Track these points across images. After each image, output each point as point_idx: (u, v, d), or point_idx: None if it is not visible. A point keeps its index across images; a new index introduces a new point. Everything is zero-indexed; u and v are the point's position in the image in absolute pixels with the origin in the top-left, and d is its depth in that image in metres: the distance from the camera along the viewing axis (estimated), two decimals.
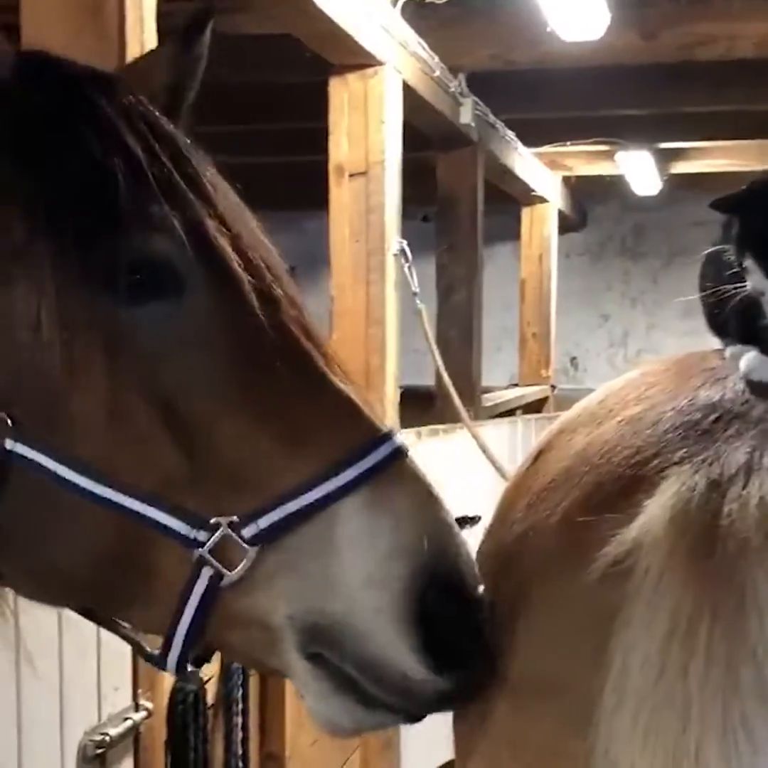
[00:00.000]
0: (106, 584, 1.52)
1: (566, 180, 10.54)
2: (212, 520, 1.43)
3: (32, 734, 2.60)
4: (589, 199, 10.92)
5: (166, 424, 1.45)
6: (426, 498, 1.46)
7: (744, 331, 1.67)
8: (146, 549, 1.46)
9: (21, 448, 1.45)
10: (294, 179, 9.71)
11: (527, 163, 8.82)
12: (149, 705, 3.05)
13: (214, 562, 1.43)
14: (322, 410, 1.48)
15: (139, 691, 3.03)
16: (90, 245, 1.45)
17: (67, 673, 2.70)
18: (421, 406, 6.36)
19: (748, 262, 1.58)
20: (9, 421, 1.45)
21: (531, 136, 8.34)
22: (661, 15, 5.91)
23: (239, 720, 3.87)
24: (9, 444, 1.45)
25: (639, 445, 1.54)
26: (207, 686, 3.66)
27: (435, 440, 5.90)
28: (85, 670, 2.79)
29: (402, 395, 5.52)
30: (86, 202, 1.46)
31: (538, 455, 1.72)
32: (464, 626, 1.42)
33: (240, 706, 3.87)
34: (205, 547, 1.43)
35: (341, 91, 5.09)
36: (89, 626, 2.84)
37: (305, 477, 1.42)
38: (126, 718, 2.94)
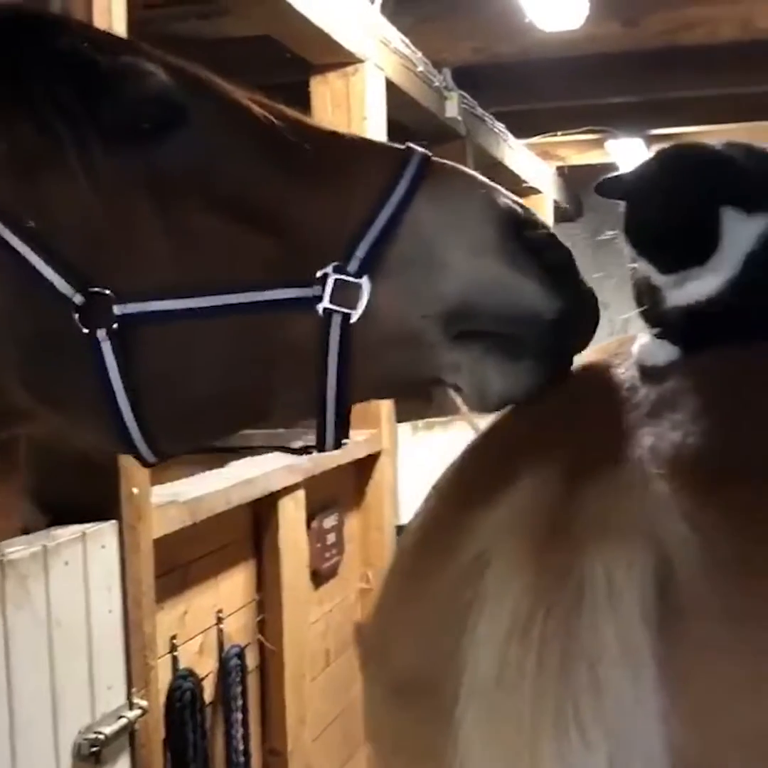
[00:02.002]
0: (254, 388, 1.61)
1: (560, 170, 10.56)
2: (319, 274, 1.55)
3: (26, 735, 2.63)
4: (584, 189, 10.93)
5: (237, 221, 1.57)
6: (470, 176, 1.63)
7: (646, 315, 1.66)
8: (275, 332, 1.57)
9: (131, 307, 1.54)
10: None
11: (519, 155, 8.84)
12: (144, 703, 3.08)
13: (338, 307, 1.54)
14: (352, 154, 1.64)
15: (133, 689, 3.05)
16: (94, 115, 1.57)
17: (59, 673, 2.73)
18: (418, 399, 6.38)
19: (630, 249, 1.57)
20: (111, 294, 1.54)
21: (521, 128, 8.35)
22: (640, 2, 5.92)
23: (239, 716, 3.91)
24: (118, 309, 1.54)
25: (514, 437, 1.55)
26: (205, 684, 3.71)
27: (431, 433, 5.93)
28: (77, 670, 2.82)
29: None
30: (72, 81, 1.58)
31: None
32: (561, 248, 1.59)
33: (239, 702, 3.92)
34: (325, 297, 1.54)
35: (323, 90, 5.12)
36: (80, 625, 2.90)
37: (371, 203, 1.56)
38: (120, 717, 2.97)
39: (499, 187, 1.62)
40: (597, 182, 1.61)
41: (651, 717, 1.22)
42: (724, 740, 1.22)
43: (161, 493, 3.39)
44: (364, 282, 1.54)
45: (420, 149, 1.62)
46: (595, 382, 1.57)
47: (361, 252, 1.55)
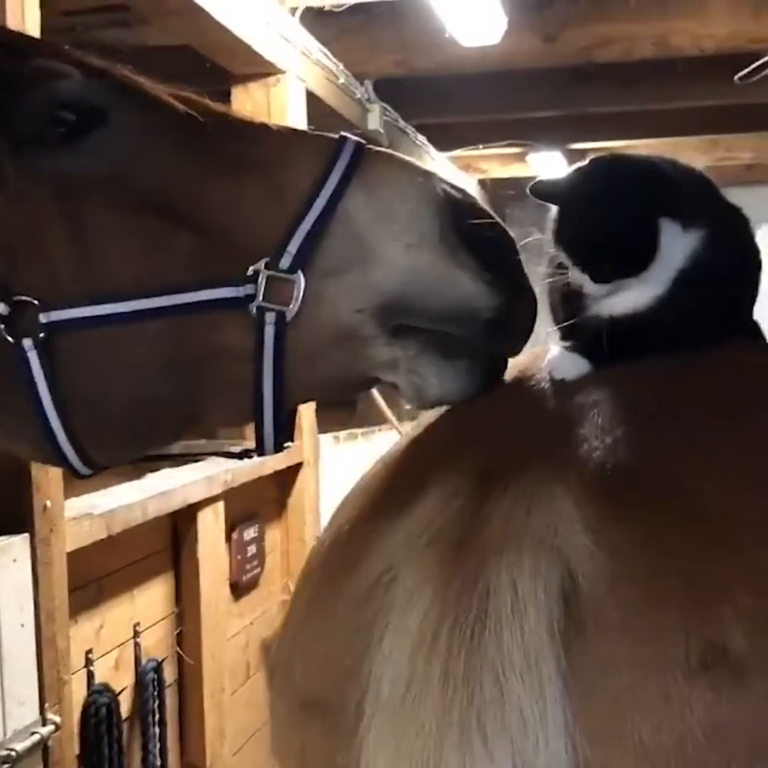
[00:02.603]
0: (187, 393, 1.57)
1: (482, 183, 10.64)
2: (249, 272, 1.50)
3: None
4: (507, 201, 11.03)
5: (161, 222, 1.52)
6: (407, 163, 1.58)
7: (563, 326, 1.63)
8: (206, 334, 1.52)
9: (55, 315, 1.51)
10: None
11: (441, 167, 8.89)
12: (57, 719, 3.03)
13: (271, 305, 1.49)
14: (281, 146, 1.59)
15: (46, 705, 3.00)
16: (5, 121, 1.53)
17: None
18: (340, 410, 6.39)
19: (565, 257, 1.54)
20: (35, 302, 1.51)
21: (444, 141, 8.41)
22: (559, 18, 6.00)
23: (156, 731, 3.87)
24: (43, 318, 1.51)
25: (425, 450, 1.53)
26: (121, 698, 3.66)
27: (354, 444, 5.94)
28: None
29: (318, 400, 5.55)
30: None
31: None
32: (502, 240, 1.55)
33: (157, 716, 3.88)
34: (258, 295, 1.50)
35: (244, 100, 5.11)
36: None
37: (302, 196, 1.52)
38: (33, 733, 2.92)
39: (438, 173, 1.58)
40: (532, 184, 1.58)
41: (555, 731, 1.23)
42: (627, 755, 1.22)
43: (76, 505, 3.35)
44: (298, 278, 1.50)
45: (353, 137, 1.58)
46: (507, 396, 1.56)
47: (293, 247, 1.50)
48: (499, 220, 1.57)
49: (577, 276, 1.54)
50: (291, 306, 1.50)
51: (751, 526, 1.30)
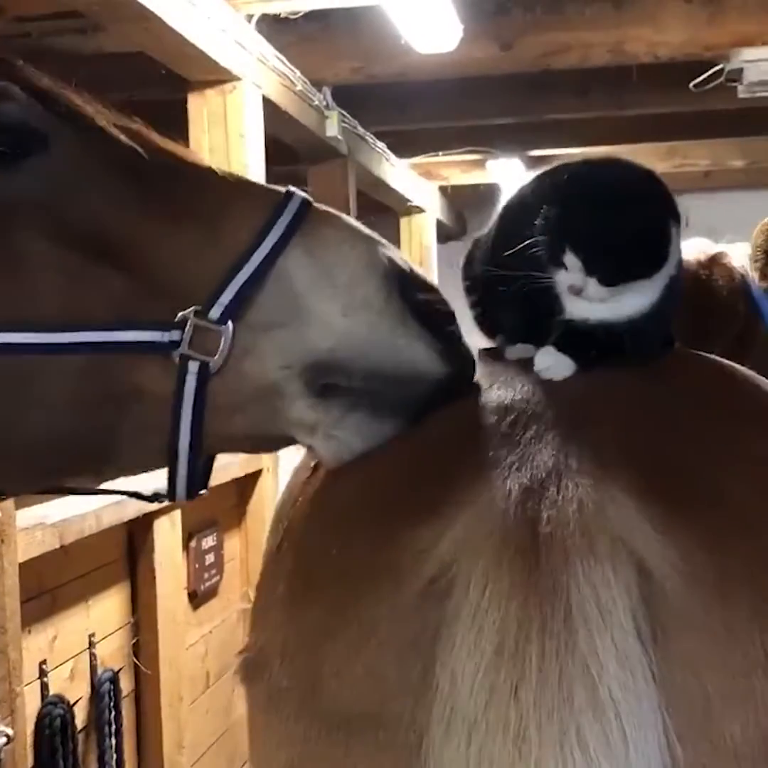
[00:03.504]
0: (99, 431, 1.51)
1: (443, 190, 10.68)
2: (177, 318, 1.47)
3: None
4: (467, 208, 11.08)
5: (91, 257, 1.48)
6: (352, 227, 1.56)
7: (528, 327, 1.60)
8: (125, 375, 1.48)
9: None
10: None
11: (401, 174, 8.92)
12: (9, 731, 3.00)
13: (196, 354, 1.46)
14: (225, 194, 1.56)
15: None
16: None
17: None
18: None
19: (569, 257, 1.49)
20: None
21: (403, 148, 8.44)
22: (515, 26, 6.04)
23: (113, 742, 3.84)
24: None
25: (441, 449, 1.48)
26: (76, 709, 3.63)
27: None
28: None
29: None
30: None
31: (318, 464, 1.61)
32: (446, 310, 1.54)
33: (113, 727, 3.85)
34: (183, 343, 1.46)
35: (200, 107, 5.10)
36: None
37: (240, 248, 1.49)
38: None
39: (382, 240, 1.56)
40: (537, 178, 1.56)
41: (652, 735, 1.23)
42: (718, 755, 1.25)
43: (29, 515, 3.32)
44: (226, 329, 1.46)
45: (300, 193, 1.55)
46: (501, 397, 1.52)
47: (225, 298, 1.47)
48: (440, 291, 1.56)
49: (577, 278, 1.50)
50: (215, 357, 1.46)
51: None
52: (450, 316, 1.54)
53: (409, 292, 1.51)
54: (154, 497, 1.65)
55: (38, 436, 1.51)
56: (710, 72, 6.23)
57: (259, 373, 1.49)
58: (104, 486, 1.69)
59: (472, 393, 1.53)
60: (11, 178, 1.49)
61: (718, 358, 1.67)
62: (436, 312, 1.52)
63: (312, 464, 1.64)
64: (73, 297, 1.48)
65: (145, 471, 1.61)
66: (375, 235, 1.57)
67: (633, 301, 1.52)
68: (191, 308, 1.47)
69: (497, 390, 1.52)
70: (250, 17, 5.15)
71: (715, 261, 2.88)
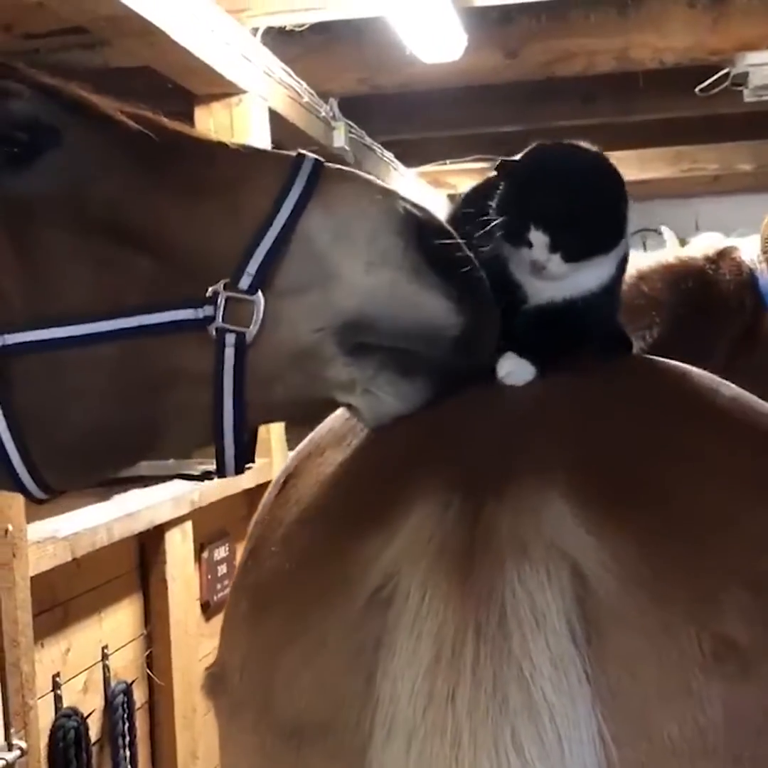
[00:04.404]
0: (145, 416, 1.54)
1: (451, 198, 10.69)
2: (208, 293, 1.48)
3: None
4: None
5: (114, 244, 1.50)
6: (367, 181, 1.57)
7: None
8: (163, 357, 1.50)
9: (10, 339, 1.48)
10: None
11: (409, 183, 8.93)
12: (23, 744, 3.02)
13: (231, 326, 1.47)
14: (238, 165, 1.57)
15: (12, 730, 2.99)
16: None
17: None
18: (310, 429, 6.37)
19: (534, 234, 1.52)
20: None
21: (410, 157, 8.45)
22: (521, 34, 6.05)
23: (127, 753, 3.86)
24: (0, 340, 1.49)
25: (388, 463, 1.49)
26: (90, 721, 3.65)
27: None
28: None
29: None
30: None
31: (286, 482, 1.63)
32: (465, 258, 1.51)
33: (127, 739, 3.87)
34: (217, 317, 1.48)
35: (207, 120, 5.13)
36: None
37: (261, 215, 1.50)
38: None
39: (397, 190, 1.57)
40: (497, 163, 1.58)
41: (587, 735, 1.24)
42: (656, 752, 1.26)
43: (40, 528, 3.34)
44: (257, 298, 1.48)
45: (311, 155, 1.56)
46: (458, 404, 1.54)
47: (252, 267, 1.48)
48: (460, 239, 1.54)
49: (541, 254, 1.53)
50: (250, 327, 1.48)
51: (735, 523, 1.38)
52: (466, 262, 1.53)
53: (426, 242, 1.51)
54: (204, 476, 1.68)
55: (83, 430, 1.54)
56: (716, 77, 6.22)
57: (293, 339, 1.51)
58: (160, 470, 1.73)
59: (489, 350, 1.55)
60: (28, 178, 1.52)
61: (672, 362, 1.68)
62: (452, 259, 1.51)
63: (280, 480, 1.65)
64: (101, 286, 1.51)
65: (192, 451, 1.66)
66: (390, 186, 1.59)
67: (590, 275, 1.57)
68: (221, 282, 1.48)
69: (447, 398, 1.55)
70: (255, 31, 5.18)
71: (723, 255, 2.87)
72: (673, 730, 1.26)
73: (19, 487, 1.57)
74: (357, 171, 1.60)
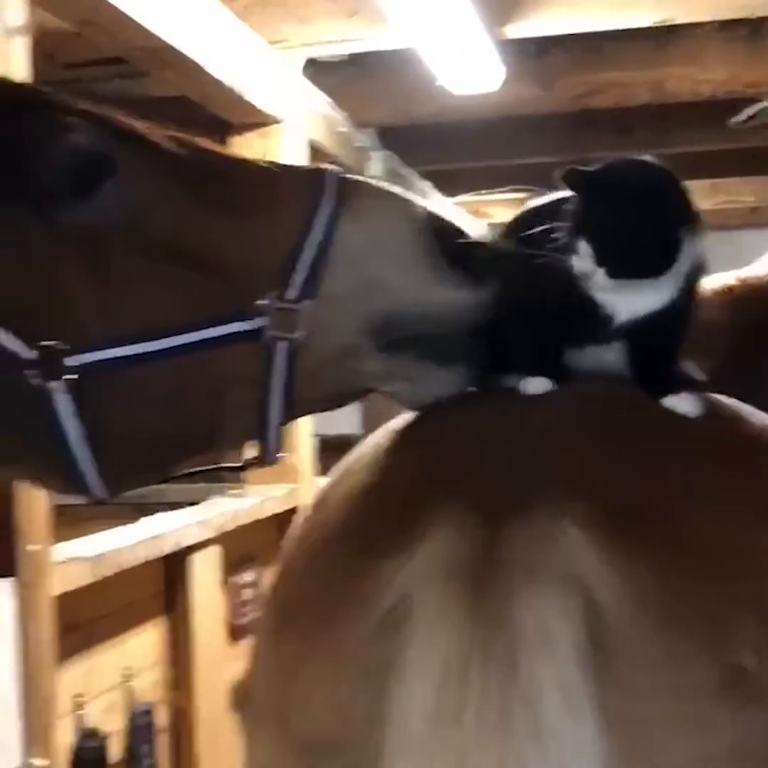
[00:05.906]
0: (205, 422, 1.66)
1: (492, 226, 10.73)
2: (258, 304, 1.60)
3: None
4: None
5: (172, 264, 1.62)
6: (387, 191, 1.71)
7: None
8: (224, 366, 1.62)
9: (83, 358, 1.58)
10: None
11: (447, 213, 8.95)
12: (44, 764, 3.04)
13: (282, 334, 1.60)
14: (270, 180, 1.69)
15: (32, 749, 3.02)
16: (23, 179, 1.59)
17: None
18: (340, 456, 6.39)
19: (582, 244, 1.55)
20: (61, 347, 1.58)
21: (448, 187, 8.47)
22: (556, 66, 6.08)
23: None
24: (70, 361, 1.58)
25: (407, 486, 1.51)
26: (112, 743, 3.67)
27: None
28: None
29: (320, 445, 5.59)
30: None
31: (320, 500, 1.67)
32: (483, 252, 1.68)
33: (148, 761, 3.88)
34: (270, 327, 1.60)
35: (242, 149, 5.18)
36: None
37: (299, 226, 1.63)
38: None
39: (412, 196, 1.71)
40: (565, 171, 1.61)
41: (592, 761, 1.26)
42: None
43: (65, 549, 3.38)
44: (304, 307, 1.60)
45: (334, 168, 1.70)
46: (473, 421, 1.58)
47: (297, 278, 1.61)
48: (471, 235, 1.70)
49: (586, 265, 1.56)
50: (298, 334, 1.60)
51: (746, 554, 1.39)
52: (480, 246, 1.68)
53: (447, 243, 1.65)
54: (243, 466, 1.82)
55: (155, 436, 1.66)
56: (751, 111, 6.21)
57: (335, 342, 1.64)
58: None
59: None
60: (93, 206, 1.60)
61: (708, 394, 1.67)
62: (471, 256, 1.66)
63: (316, 497, 1.70)
64: (164, 304, 1.62)
65: (241, 446, 1.82)
66: (408, 194, 1.73)
67: (642, 300, 1.57)
68: (270, 293, 1.60)
69: (463, 421, 1.59)
70: (291, 61, 5.24)
71: None
72: (679, 758, 1.27)
73: (86, 492, 1.67)
74: (375, 182, 1.73)
